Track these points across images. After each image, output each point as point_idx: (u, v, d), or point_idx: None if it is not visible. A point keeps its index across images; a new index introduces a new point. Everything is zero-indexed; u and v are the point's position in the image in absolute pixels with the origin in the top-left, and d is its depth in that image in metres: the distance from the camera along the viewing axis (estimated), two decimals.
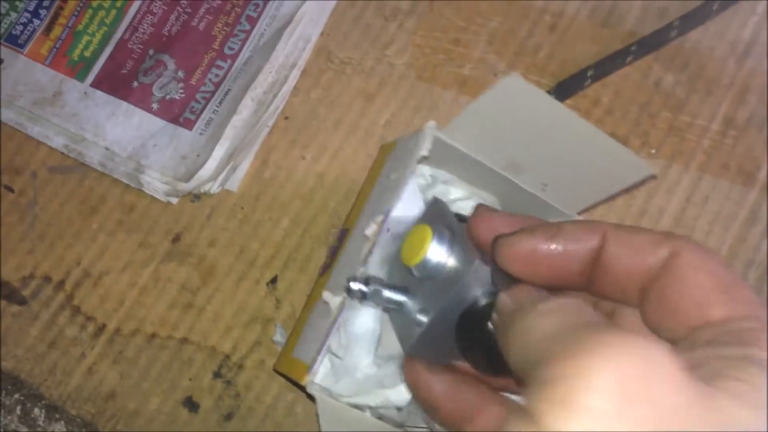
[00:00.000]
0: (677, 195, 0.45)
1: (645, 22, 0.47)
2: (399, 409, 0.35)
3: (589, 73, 0.46)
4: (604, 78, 0.46)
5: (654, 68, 0.47)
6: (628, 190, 0.44)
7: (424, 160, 0.37)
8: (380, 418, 0.35)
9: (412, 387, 0.32)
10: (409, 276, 0.32)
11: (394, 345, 0.35)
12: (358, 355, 0.35)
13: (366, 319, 0.35)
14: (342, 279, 0.35)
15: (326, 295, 0.35)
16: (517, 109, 0.33)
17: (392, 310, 0.33)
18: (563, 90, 0.46)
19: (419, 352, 0.31)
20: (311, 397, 0.34)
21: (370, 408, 0.35)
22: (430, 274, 0.31)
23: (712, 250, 0.26)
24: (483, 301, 0.29)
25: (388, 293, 0.32)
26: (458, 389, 0.31)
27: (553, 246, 0.27)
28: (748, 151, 0.45)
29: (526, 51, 0.48)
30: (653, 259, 0.26)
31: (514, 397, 0.33)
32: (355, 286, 0.32)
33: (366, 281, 0.32)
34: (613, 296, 0.28)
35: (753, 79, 0.46)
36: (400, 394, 0.34)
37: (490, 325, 0.28)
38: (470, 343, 0.30)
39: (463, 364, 0.32)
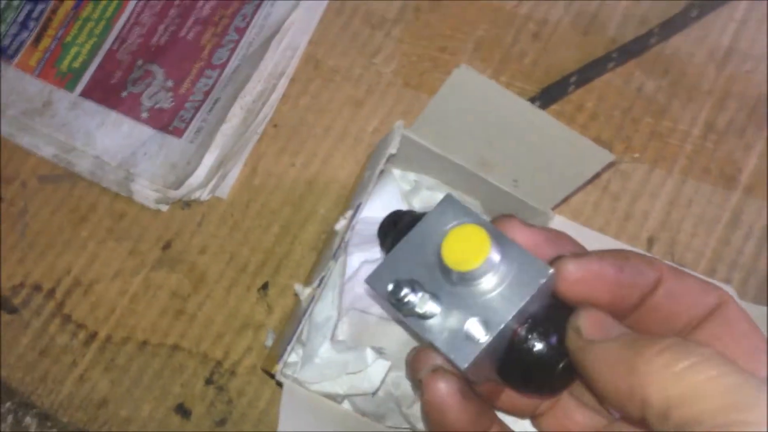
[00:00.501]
0: (661, 199, 0.46)
1: (626, 29, 0.48)
2: (373, 395, 0.35)
3: (573, 79, 0.47)
4: (588, 84, 0.47)
5: (636, 74, 0.48)
6: (592, 180, 0.45)
7: (392, 158, 0.38)
8: (356, 408, 0.35)
9: (436, 409, 0.28)
10: (437, 282, 0.28)
11: (346, 332, 0.35)
12: (318, 342, 0.35)
13: (326, 307, 0.36)
14: (317, 275, 0.36)
15: (297, 287, 0.35)
16: (473, 100, 0.34)
17: (415, 318, 0.28)
18: (548, 96, 0.47)
19: (470, 371, 0.27)
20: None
21: (341, 396, 0.35)
22: (474, 280, 0.28)
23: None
24: (545, 318, 0.28)
25: (431, 302, 0.28)
26: (482, 416, 0.29)
27: (621, 274, 0.27)
28: (729, 155, 0.46)
29: (512, 58, 0.49)
30: (704, 304, 0.27)
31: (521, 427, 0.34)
32: (402, 292, 0.28)
33: (412, 286, 0.28)
34: (648, 329, 0.28)
35: (732, 85, 0.47)
36: (369, 382, 0.35)
37: (548, 341, 0.27)
38: (522, 361, 0.28)
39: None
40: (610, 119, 0.47)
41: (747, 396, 0.21)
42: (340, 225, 0.37)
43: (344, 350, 0.36)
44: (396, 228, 0.35)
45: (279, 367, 0.35)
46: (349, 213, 0.37)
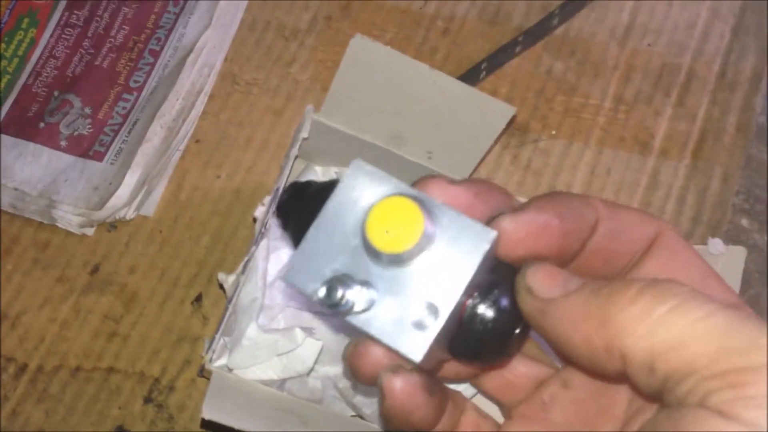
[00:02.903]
0: (581, 170, 0.47)
1: (530, 18, 0.50)
2: (306, 375, 0.35)
3: (483, 65, 0.48)
4: (499, 70, 0.49)
5: (544, 58, 0.49)
6: (499, 138, 0.44)
7: (312, 153, 0.38)
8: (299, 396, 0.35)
9: (401, 411, 0.25)
10: (365, 266, 0.25)
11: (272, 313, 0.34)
12: (245, 323, 0.35)
13: (251, 289, 0.35)
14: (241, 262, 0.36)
15: (220, 276, 0.35)
16: (375, 72, 0.34)
17: (353, 315, 0.25)
18: None
19: (425, 362, 0.24)
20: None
21: (276, 382, 0.34)
22: (410, 260, 0.24)
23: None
24: (491, 284, 0.25)
25: (367, 294, 0.24)
26: (443, 401, 0.27)
27: (564, 223, 0.24)
28: (640, 123, 0.48)
29: (424, 55, 0.50)
30: (643, 237, 0.25)
31: (460, 387, 0.32)
32: (338, 295, 0.24)
33: (346, 283, 0.24)
34: (591, 272, 0.26)
35: (635, 58, 0.49)
36: (302, 363, 0.34)
37: (500, 308, 0.25)
38: (475, 335, 0.25)
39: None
40: (525, 101, 0.48)
41: (742, 336, 0.19)
42: (260, 211, 0.37)
43: (272, 331, 0.35)
44: (299, 205, 0.32)
45: (208, 356, 0.34)
46: (267, 199, 0.37)
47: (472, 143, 0.37)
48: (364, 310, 0.24)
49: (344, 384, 0.41)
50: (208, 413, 0.30)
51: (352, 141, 0.38)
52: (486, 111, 0.35)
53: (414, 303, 0.24)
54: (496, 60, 0.48)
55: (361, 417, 0.39)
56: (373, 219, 0.24)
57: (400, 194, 0.24)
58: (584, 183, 0.47)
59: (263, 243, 0.37)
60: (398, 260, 0.24)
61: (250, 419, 0.31)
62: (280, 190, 0.37)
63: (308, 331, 0.36)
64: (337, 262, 0.25)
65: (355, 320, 0.24)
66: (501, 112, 0.35)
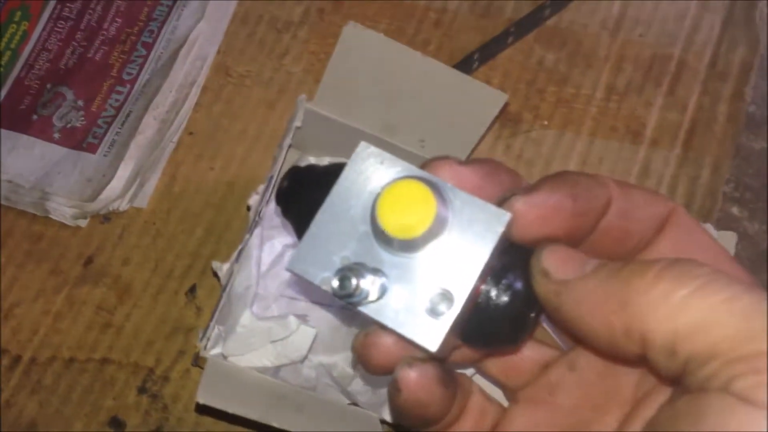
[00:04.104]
0: (573, 160, 0.47)
1: (522, 10, 0.50)
2: (300, 363, 0.35)
3: (476, 56, 0.48)
4: (491, 61, 0.49)
5: (535, 49, 0.50)
6: (492, 126, 0.44)
7: (305, 145, 0.38)
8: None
9: (418, 405, 0.25)
10: (374, 253, 0.24)
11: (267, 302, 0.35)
12: (239, 311, 0.35)
13: (245, 277, 0.35)
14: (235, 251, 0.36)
15: (215, 264, 0.35)
16: (368, 60, 0.34)
17: (363, 304, 0.24)
18: None
19: (441, 351, 0.24)
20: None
21: (270, 369, 0.34)
22: (423, 245, 0.24)
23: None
24: (504, 267, 0.24)
25: (379, 281, 0.24)
26: (455, 393, 0.26)
27: (577, 203, 0.23)
28: (632, 112, 0.48)
29: (416, 47, 0.50)
30: (655, 216, 0.25)
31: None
32: (352, 285, 0.23)
33: (360, 272, 0.23)
34: (602, 253, 0.25)
35: (626, 49, 0.49)
36: (296, 350, 0.34)
37: (515, 292, 0.24)
38: (490, 321, 0.25)
39: None
40: (517, 92, 0.49)
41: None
42: (253, 200, 0.37)
43: (266, 318, 0.35)
44: (300, 191, 0.32)
45: (202, 343, 0.34)
46: (261, 187, 0.37)
47: (464, 131, 0.37)
48: (377, 299, 0.23)
49: (338, 372, 0.41)
50: (203, 398, 0.31)
51: (345, 130, 0.39)
52: (478, 98, 0.36)
53: (427, 290, 0.23)
54: (488, 51, 0.49)
55: (356, 404, 0.39)
56: (384, 204, 0.23)
57: (410, 177, 0.23)
58: None
59: (257, 231, 0.37)
60: (410, 246, 0.23)
61: (244, 404, 0.31)
62: (274, 179, 0.38)
63: (302, 318, 0.36)
64: (345, 249, 0.24)
65: (367, 310, 0.23)
66: (493, 99, 0.36)
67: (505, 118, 0.48)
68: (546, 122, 0.48)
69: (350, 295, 0.23)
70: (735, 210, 0.45)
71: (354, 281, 0.23)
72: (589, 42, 0.50)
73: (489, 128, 0.39)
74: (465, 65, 0.48)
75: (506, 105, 0.38)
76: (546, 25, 0.50)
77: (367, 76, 0.36)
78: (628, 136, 0.47)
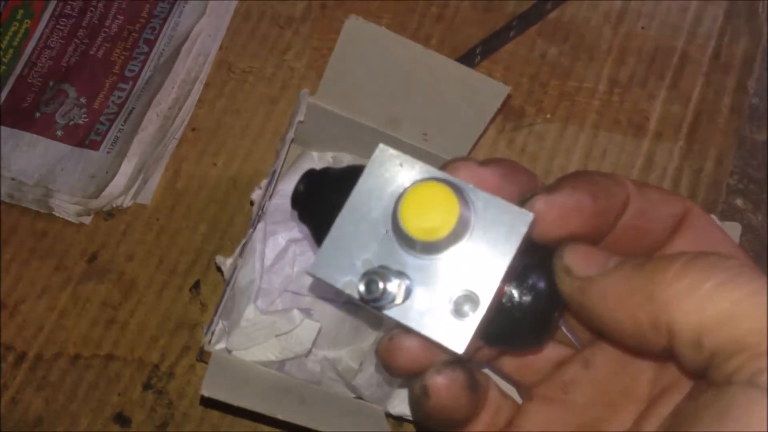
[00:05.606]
0: (577, 153, 0.47)
1: (524, 5, 0.50)
2: (305, 357, 0.35)
3: (478, 50, 0.48)
4: (493, 54, 0.49)
5: (538, 42, 0.49)
6: (494, 119, 0.44)
7: (308, 139, 0.38)
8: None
9: (447, 410, 0.25)
10: (397, 255, 0.24)
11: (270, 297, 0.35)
12: (243, 305, 0.35)
13: (248, 271, 0.35)
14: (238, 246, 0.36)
15: (218, 258, 0.35)
16: (370, 53, 0.34)
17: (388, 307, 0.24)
18: None
19: (467, 353, 0.23)
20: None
21: (274, 363, 0.34)
22: (447, 247, 0.23)
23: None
24: (527, 267, 0.25)
25: (404, 285, 0.24)
26: (480, 396, 0.26)
27: (597, 202, 0.24)
28: (635, 105, 0.48)
29: (418, 41, 0.49)
30: (671, 215, 0.25)
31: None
32: (379, 289, 0.23)
33: (386, 276, 0.23)
34: (620, 251, 0.25)
35: (628, 42, 0.49)
36: (300, 344, 0.34)
37: (539, 291, 0.24)
38: (515, 321, 0.25)
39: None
40: (519, 86, 0.49)
41: None
42: (257, 194, 0.37)
43: (270, 313, 0.35)
44: (319, 195, 0.30)
45: (206, 338, 0.34)
46: (264, 182, 0.37)
47: (467, 124, 0.37)
48: (401, 303, 0.23)
49: (343, 367, 0.41)
50: (208, 391, 0.31)
51: (348, 124, 0.39)
52: (481, 91, 0.36)
53: (451, 292, 0.23)
54: (490, 45, 0.49)
55: (361, 398, 0.39)
56: (407, 206, 0.23)
57: (432, 179, 0.23)
58: (580, 166, 0.47)
59: (260, 226, 0.37)
60: (433, 248, 0.23)
61: (249, 397, 0.31)
62: (277, 174, 0.38)
63: (306, 312, 0.36)
64: (367, 252, 0.24)
65: (392, 313, 0.23)
66: (496, 91, 0.36)
67: (507, 111, 0.48)
68: (549, 116, 0.48)
69: (377, 299, 0.23)
70: (739, 202, 0.45)
71: (381, 285, 0.23)
72: (591, 35, 0.49)
73: (492, 120, 0.39)
74: (467, 59, 0.48)
75: (509, 98, 0.38)
76: (548, 18, 0.50)
77: (370, 70, 0.36)
78: (632, 129, 0.47)
